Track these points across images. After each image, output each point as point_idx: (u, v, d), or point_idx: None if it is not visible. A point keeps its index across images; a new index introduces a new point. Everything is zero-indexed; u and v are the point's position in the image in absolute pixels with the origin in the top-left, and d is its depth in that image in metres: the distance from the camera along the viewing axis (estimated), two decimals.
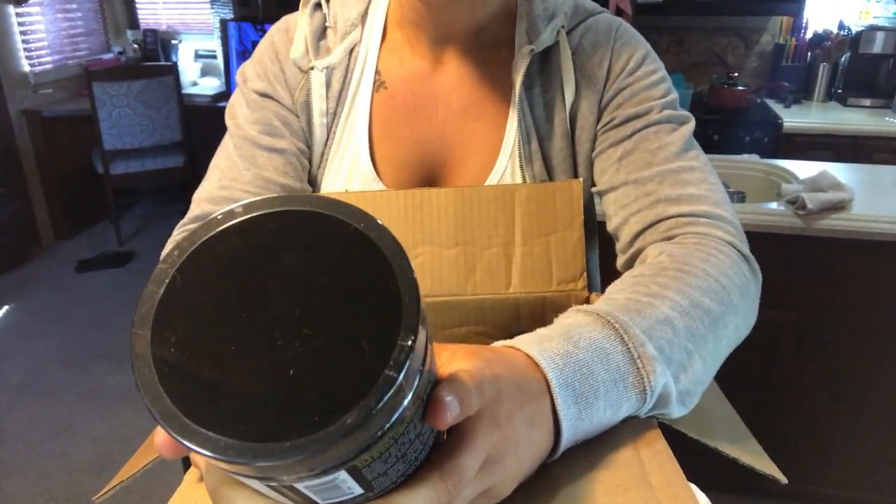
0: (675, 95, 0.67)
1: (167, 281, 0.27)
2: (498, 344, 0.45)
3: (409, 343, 0.25)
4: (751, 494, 1.75)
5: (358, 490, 0.29)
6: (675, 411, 0.47)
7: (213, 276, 0.27)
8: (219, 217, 0.28)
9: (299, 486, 0.27)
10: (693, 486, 0.46)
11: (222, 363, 0.25)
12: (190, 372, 0.25)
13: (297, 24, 0.70)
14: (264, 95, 0.69)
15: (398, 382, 0.25)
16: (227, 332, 0.26)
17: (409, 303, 0.26)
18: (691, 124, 0.66)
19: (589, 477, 0.42)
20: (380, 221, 0.28)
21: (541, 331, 0.46)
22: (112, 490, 0.49)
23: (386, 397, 0.24)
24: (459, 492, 0.33)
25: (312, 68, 0.69)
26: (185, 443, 0.24)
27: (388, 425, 0.26)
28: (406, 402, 0.26)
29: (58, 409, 2.41)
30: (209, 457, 0.24)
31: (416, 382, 0.27)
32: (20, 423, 2.34)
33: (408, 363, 0.25)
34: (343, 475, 0.27)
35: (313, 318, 0.26)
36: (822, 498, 1.83)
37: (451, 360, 0.37)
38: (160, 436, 0.28)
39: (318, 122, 0.69)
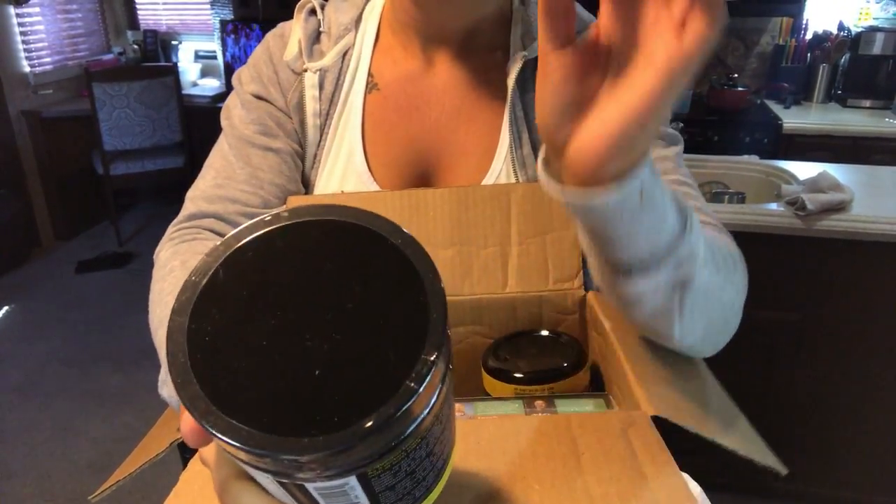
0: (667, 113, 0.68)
1: (210, 273, 0.28)
2: None
3: (433, 358, 0.26)
4: (751, 494, 1.76)
5: (365, 501, 0.30)
6: (698, 276, 0.46)
7: (253, 274, 0.28)
8: (266, 219, 0.30)
9: (309, 486, 0.28)
10: (685, 476, 0.46)
11: (253, 356, 0.26)
12: (221, 361, 0.26)
13: (292, 29, 0.72)
14: (259, 97, 0.71)
15: (418, 394, 0.25)
16: (260, 327, 0.27)
17: (437, 319, 0.27)
18: (681, 146, 0.67)
19: (582, 468, 0.42)
20: (415, 239, 0.29)
21: None
22: (109, 489, 0.49)
23: (405, 407, 0.25)
24: None
25: (306, 70, 0.70)
26: (208, 428, 0.25)
27: (403, 436, 0.27)
28: (423, 415, 0.27)
29: (58, 409, 2.41)
30: (229, 444, 0.25)
31: (434, 398, 0.28)
32: (20, 423, 2.35)
33: (429, 377, 0.26)
34: (353, 482, 0.28)
35: (344, 323, 0.27)
36: (823, 498, 1.83)
37: None
38: (186, 423, 0.29)
39: (311, 122, 0.70)
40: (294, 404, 0.25)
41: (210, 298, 0.28)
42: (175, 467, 0.71)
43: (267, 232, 0.29)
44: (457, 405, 0.53)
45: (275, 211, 0.30)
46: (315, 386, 0.25)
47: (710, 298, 0.49)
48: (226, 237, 0.29)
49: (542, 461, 0.43)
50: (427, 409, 0.27)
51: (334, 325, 0.27)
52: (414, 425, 0.27)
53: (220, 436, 0.25)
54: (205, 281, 0.28)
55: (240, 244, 0.29)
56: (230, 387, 0.26)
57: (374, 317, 0.27)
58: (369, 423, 0.24)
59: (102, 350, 2.76)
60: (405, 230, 0.29)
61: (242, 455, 0.26)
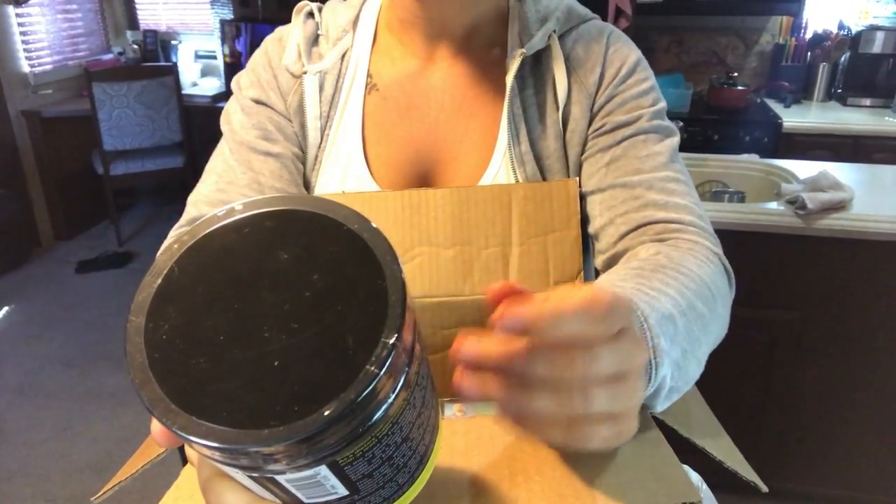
0: (663, 104, 0.68)
1: (165, 272, 0.28)
2: None
3: (392, 340, 0.26)
4: (751, 494, 1.76)
5: (342, 490, 0.29)
6: (659, 405, 0.47)
7: (209, 269, 0.28)
8: (219, 214, 0.29)
9: (280, 479, 0.27)
10: (686, 467, 0.46)
11: (211, 352, 0.26)
12: (179, 359, 0.26)
13: (290, 33, 0.72)
14: (258, 102, 0.71)
15: (379, 377, 0.25)
16: (218, 322, 0.27)
17: (395, 302, 0.27)
18: (677, 138, 0.67)
19: (584, 459, 0.42)
20: (373, 224, 0.29)
21: None
22: (110, 490, 0.49)
23: (366, 392, 0.25)
24: (596, 359, 0.30)
25: (305, 73, 0.70)
26: (170, 426, 0.25)
27: (369, 422, 0.26)
28: (389, 399, 0.27)
29: (58, 409, 2.41)
30: (191, 441, 0.25)
31: (400, 382, 0.27)
32: (20, 423, 2.34)
33: (390, 360, 0.25)
34: (324, 471, 0.27)
35: (302, 312, 0.27)
36: (823, 498, 1.83)
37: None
38: (156, 424, 0.29)
39: (312, 125, 0.70)
40: (255, 397, 0.25)
41: (166, 297, 0.28)
42: (175, 468, 0.71)
43: (221, 226, 0.29)
44: (456, 405, 0.53)
45: (229, 205, 0.30)
46: (275, 377, 0.25)
47: (691, 373, 0.50)
48: (179, 235, 0.29)
49: (543, 455, 0.43)
50: (394, 393, 0.27)
51: (292, 314, 0.27)
52: (381, 410, 0.26)
53: (181, 433, 0.25)
54: (160, 280, 0.28)
55: (194, 241, 0.29)
56: (190, 384, 0.26)
57: (332, 304, 0.27)
58: (329, 410, 0.24)
59: (102, 350, 2.76)
60: (362, 215, 0.29)
61: (207, 451, 0.26)
